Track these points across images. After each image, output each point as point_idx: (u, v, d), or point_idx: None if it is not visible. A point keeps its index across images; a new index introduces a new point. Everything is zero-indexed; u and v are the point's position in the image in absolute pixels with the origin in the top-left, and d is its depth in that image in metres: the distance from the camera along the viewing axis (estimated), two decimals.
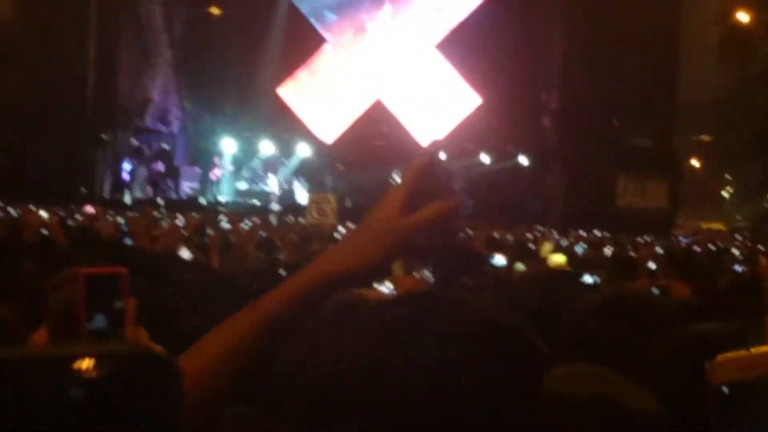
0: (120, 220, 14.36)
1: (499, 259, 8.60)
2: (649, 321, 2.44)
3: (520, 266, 8.67)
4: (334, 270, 1.61)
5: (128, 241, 9.25)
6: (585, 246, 14.33)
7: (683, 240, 20.72)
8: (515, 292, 4.16)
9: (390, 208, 1.60)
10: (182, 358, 1.58)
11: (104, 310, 1.77)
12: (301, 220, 18.56)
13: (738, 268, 10.49)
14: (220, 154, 28.55)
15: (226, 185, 28.37)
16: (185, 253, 8.30)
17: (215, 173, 28.41)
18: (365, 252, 1.61)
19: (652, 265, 10.15)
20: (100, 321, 1.76)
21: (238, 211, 23.53)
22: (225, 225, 14.28)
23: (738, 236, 23.91)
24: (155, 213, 16.36)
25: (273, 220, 17.26)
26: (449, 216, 1.60)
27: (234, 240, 10.33)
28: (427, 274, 5.70)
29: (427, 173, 1.61)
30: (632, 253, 12.54)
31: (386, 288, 3.97)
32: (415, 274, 5.52)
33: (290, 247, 9.91)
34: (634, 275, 7.73)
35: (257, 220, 17.33)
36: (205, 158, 28.93)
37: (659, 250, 14.28)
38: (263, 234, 11.79)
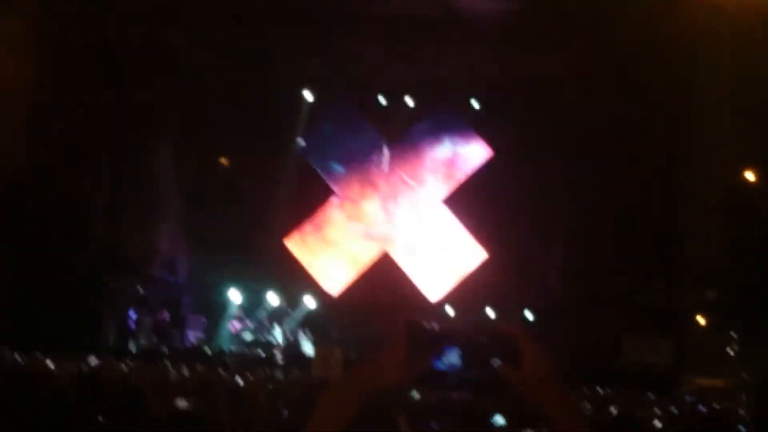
0: (124, 368, 14.31)
1: (499, 419, 8.51)
2: None
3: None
4: (378, 386, 1.79)
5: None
6: (589, 405, 14.09)
7: (688, 398, 20.43)
8: None
9: (395, 360, 1.78)
10: None
11: None
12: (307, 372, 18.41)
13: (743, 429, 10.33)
14: (226, 304, 28.51)
15: (232, 336, 28.24)
16: (182, 403, 8.24)
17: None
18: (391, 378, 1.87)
19: (657, 424, 10.08)
20: None
21: (243, 361, 23.47)
22: (238, 380, 14.11)
23: (743, 396, 23.54)
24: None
25: (279, 374, 17.11)
26: None
27: (242, 392, 10.23)
28: None
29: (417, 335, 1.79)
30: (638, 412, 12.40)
31: None
32: None
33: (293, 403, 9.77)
34: None
35: (263, 373, 17.18)
36: (211, 308, 28.85)
37: (669, 409, 14.10)
38: (270, 387, 11.71)
